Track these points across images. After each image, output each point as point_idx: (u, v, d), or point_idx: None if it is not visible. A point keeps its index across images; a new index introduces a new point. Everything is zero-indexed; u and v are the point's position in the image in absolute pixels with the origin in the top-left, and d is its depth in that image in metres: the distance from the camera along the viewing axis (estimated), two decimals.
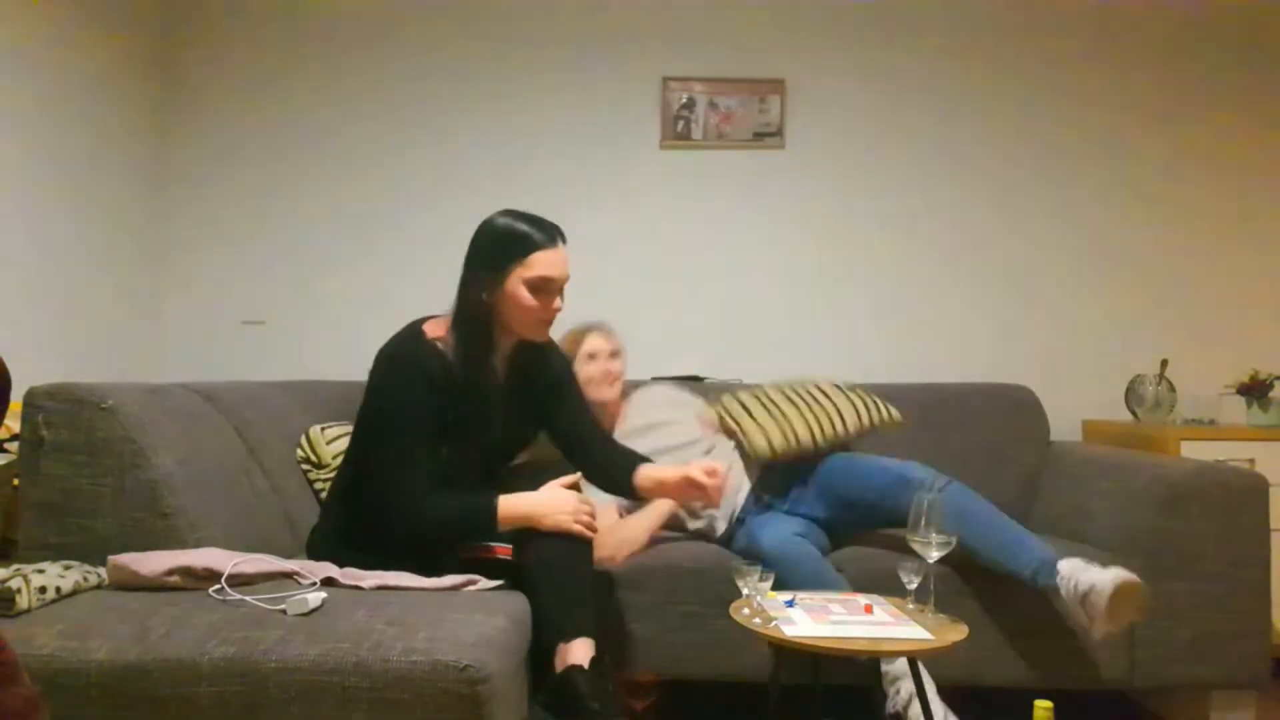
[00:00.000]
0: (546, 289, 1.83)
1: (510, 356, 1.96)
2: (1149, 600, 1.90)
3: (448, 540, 1.85)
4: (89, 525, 1.74)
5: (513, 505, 1.81)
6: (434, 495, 1.81)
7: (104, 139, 2.97)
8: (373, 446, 1.85)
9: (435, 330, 1.87)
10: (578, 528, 1.81)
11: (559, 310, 1.88)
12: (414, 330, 1.88)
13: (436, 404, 1.81)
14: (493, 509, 1.80)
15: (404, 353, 1.85)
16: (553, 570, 1.79)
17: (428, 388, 1.81)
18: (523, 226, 1.84)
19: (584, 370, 2.44)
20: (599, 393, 2.45)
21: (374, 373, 1.88)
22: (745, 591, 1.75)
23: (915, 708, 1.96)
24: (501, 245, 1.83)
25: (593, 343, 2.49)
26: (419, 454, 1.80)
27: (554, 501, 1.81)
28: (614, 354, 2.52)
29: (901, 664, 1.98)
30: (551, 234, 1.86)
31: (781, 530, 2.12)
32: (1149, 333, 3.19)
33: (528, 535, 1.82)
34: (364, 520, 1.89)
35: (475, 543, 1.87)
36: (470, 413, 1.86)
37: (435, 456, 1.83)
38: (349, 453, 2.02)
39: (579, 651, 1.72)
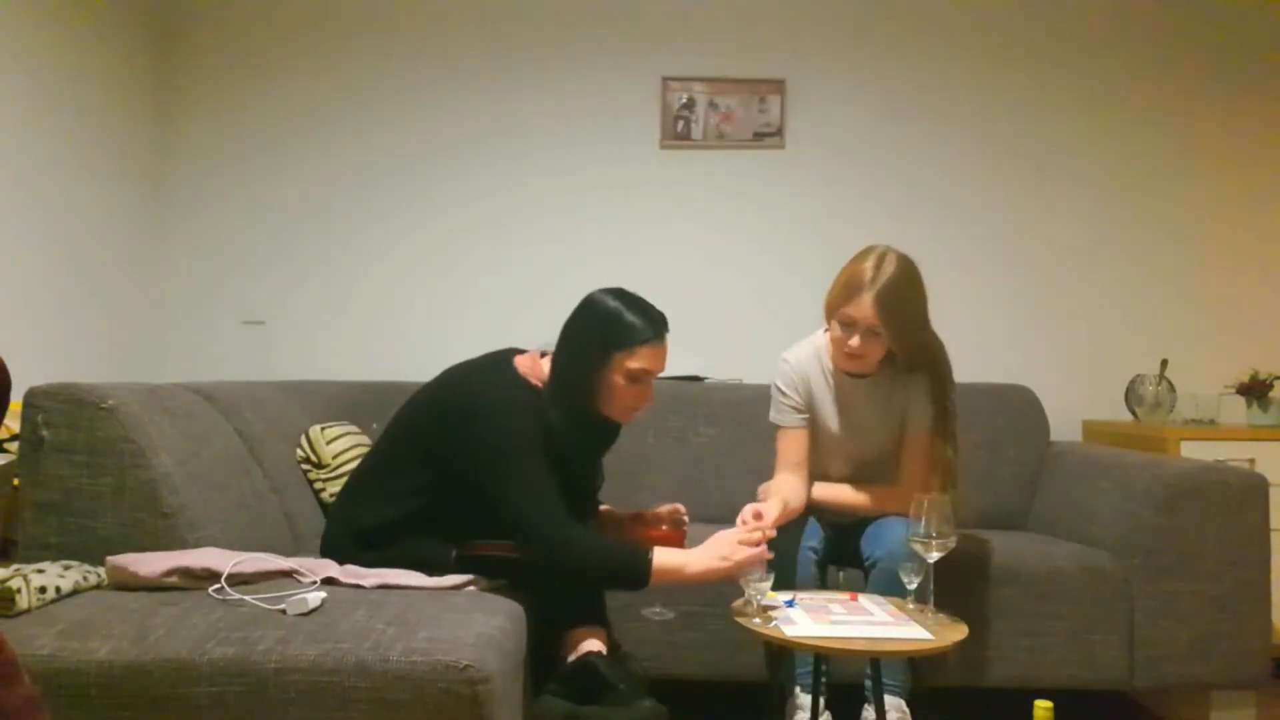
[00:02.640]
0: (643, 380, 1.85)
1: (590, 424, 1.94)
2: None
3: (595, 581, 1.81)
4: (89, 525, 1.74)
5: (668, 557, 1.72)
6: (591, 533, 1.77)
7: (103, 138, 2.97)
8: (506, 483, 1.75)
9: (528, 372, 1.86)
10: (745, 558, 1.70)
11: (650, 401, 1.89)
12: (512, 368, 1.85)
13: (551, 442, 1.79)
14: (648, 559, 1.70)
15: (513, 393, 1.81)
16: None
17: (543, 429, 1.78)
18: (631, 316, 1.82)
19: (835, 327, 2.08)
20: (839, 358, 2.12)
21: (478, 407, 1.80)
22: (745, 591, 1.75)
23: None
24: (610, 330, 1.82)
25: (860, 307, 2.00)
26: (556, 490, 1.75)
27: (713, 551, 1.73)
28: (874, 329, 2.01)
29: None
30: (659, 328, 1.86)
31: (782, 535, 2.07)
32: (1149, 333, 3.19)
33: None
34: (386, 525, 1.87)
35: (474, 539, 1.87)
36: (559, 468, 1.83)
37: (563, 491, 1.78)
38: (380, 458, 1.96)
39: (594, 639, 1.72)
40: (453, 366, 1.94)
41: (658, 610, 1.90)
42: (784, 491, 2.09)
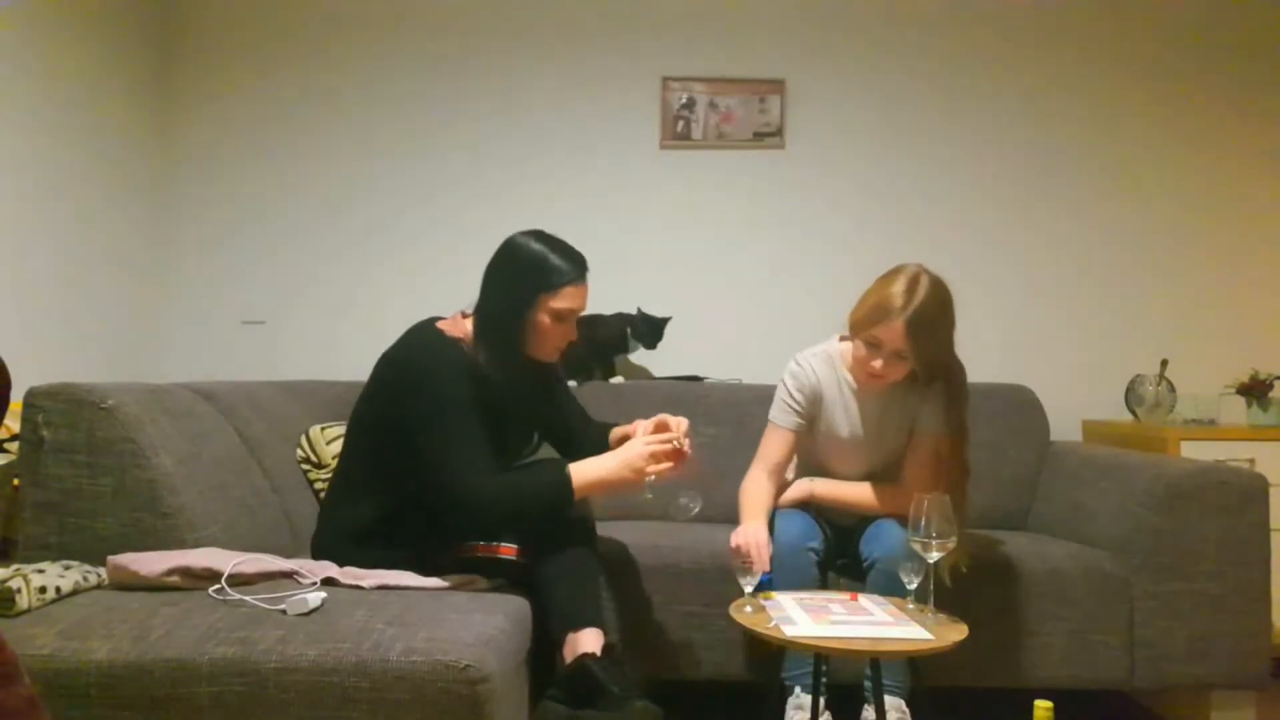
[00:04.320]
0: (567, 319, 1.89)
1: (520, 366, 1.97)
2: None
3: (525, 516, 1.83)
4: (89, 525, 1.74)
5: (586, 473, 1.82)
6: (507, 474, 1.84)
7: (104, 139, 2.97)
8: (429, 443, 1.80)
9: (450, 330, 1.90)
10: (651, 471, 1.80)
11: (573, 339, 1.94)
12: (433, 331, 1.89)
13: (478, 392, 1.83)
14: (568, 479, 1.80)
15: (433, 351, 1.85)
16: (561, 566, 1.82)
17: (470, 382, 1.82)
18: (555, 258, 1.87)
19: (858, 346, 2.04)
20: (859, 374, 2.10)
21: (404, 375, 1.85)
22: (746, 590, 1.75)
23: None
24: (533, 272, 1.87)
25: (889, 330, 1.95)
26: (479, 438, 1.80)
27: (623, 460, 1.82)
28: (900, 353, 1.98)
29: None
30: (581, 268, 1.90)
31: (794, 537, 2.07)
32: (1149, 333, 3.19)
33: (535, 533, 1.83)
34: (375, 520, 1.88)
35: (472, 540, 1.87)
36: (495, 415, 1.87)
37: (490, 442, 1.83)
38: (350, 455, 1.99)
39: (590, 640, 1.73)
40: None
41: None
42: (762, 504, 2.12)
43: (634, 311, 3.02)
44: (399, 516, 1.87)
